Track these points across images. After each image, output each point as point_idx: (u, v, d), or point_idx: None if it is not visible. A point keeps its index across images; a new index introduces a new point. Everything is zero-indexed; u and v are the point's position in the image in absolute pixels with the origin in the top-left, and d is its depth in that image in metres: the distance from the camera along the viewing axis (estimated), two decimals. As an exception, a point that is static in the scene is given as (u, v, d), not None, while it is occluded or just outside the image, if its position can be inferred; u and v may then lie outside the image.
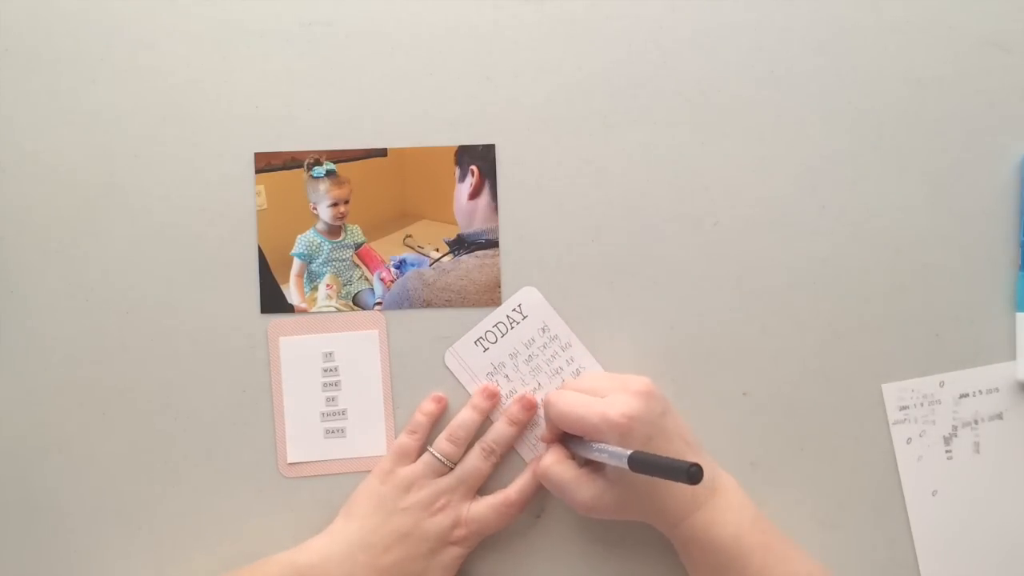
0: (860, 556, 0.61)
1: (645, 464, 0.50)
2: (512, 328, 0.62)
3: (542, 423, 0.61)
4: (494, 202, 0.62)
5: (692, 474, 0.47)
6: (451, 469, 0.59)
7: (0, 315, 0.62)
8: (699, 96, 0.61)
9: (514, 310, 0.62)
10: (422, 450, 0.60)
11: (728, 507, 0.55)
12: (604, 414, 0.54)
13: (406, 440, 0.60)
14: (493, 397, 0.61)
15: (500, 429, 0.60)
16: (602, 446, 0.54)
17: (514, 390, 0.62)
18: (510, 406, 0.61)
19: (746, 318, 0.61)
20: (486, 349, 0.62)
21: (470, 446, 0.60)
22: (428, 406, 0.61)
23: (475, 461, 0.59)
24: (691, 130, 0.61)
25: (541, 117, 0.62)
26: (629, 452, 0.51)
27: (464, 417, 0.60)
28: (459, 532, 0.58)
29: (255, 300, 0.62)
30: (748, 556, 0.54)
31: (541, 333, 0.62)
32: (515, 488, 0.60)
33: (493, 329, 0.62)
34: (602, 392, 0.56)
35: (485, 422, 0.61)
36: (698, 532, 0.54)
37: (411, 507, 0.58)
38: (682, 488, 0.54)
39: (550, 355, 0.62)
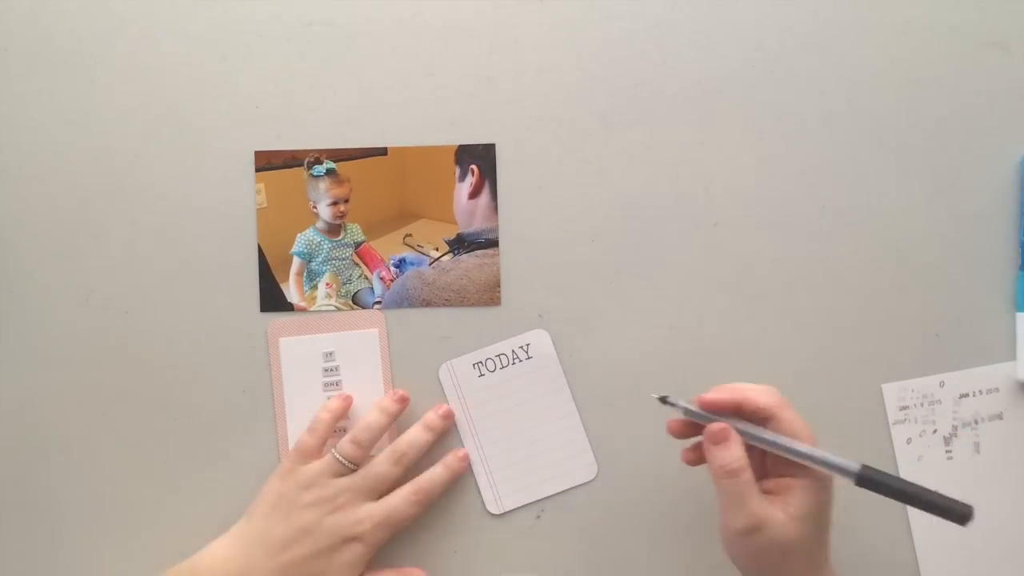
0: (860, 556, 0.60)
1: (880, 485, 0.48)
2: (513, 364, 0.62)
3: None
4: (494, 202, 0.62)
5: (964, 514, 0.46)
6: (353, 471, 0.58)
7: (0, 315, 0.62)
8: (699, 96, 0.61)
9: (521, 347, 0.62)
10: (324, 448, 0.60)
11: None
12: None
13: (306, 439, 0.59)
14: (408, 406, 0.61)
15: (414, 435, 0.60)
16: (813, 451, 0.51)
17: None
18: (428, 413, 0.60)
19: (746, 318, 0.61)
20: (481, 375, 0.62)
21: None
22: (333, 403, 0.60)
23: (382, 466, 0.59)
24: (691, 130, 0.61)
25: (541, 117, 0.62)
26: (860, 465, 0.49)
27: (371, 420, 0.59)
28: (361, 527, 0.57)
29: (255, 299, 0.62)
30: None
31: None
32: (425, 477, 0.59)
33: (494, 359, 0.62)
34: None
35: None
36: None
37: (311, 504, 0.57)
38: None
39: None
